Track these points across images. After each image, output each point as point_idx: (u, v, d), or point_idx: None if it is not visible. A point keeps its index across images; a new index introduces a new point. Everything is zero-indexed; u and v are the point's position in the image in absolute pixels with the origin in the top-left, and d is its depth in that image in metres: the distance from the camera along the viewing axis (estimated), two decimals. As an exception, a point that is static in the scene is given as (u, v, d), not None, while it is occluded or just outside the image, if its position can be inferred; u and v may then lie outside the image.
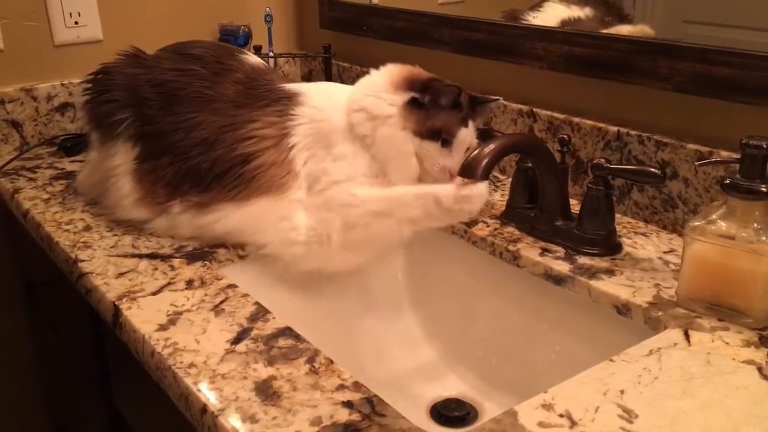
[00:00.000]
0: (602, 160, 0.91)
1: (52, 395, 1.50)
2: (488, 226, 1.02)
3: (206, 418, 0.65)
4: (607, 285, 0.84)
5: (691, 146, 0.93)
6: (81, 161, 1.24)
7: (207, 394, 0.67)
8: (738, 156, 0.75)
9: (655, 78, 0.94)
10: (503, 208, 1.05)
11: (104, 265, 0.92)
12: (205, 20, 1.52)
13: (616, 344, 0.74)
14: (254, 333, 0.77)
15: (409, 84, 0.94)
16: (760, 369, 0.68)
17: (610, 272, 0.87)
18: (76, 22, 1.40)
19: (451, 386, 0.98)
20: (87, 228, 1.04)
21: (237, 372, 0.70)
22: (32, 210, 1.10)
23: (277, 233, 0.92)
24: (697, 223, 0.76)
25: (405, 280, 1.10)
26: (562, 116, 1.09)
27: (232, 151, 0.94)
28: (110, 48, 1.12)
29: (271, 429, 0.62)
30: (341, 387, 0.68)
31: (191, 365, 0.71)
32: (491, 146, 0.86)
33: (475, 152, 0.86)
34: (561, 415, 0.62)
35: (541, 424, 0.61)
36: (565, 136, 0.98)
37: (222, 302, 0.83)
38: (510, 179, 1.05)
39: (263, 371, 0.70)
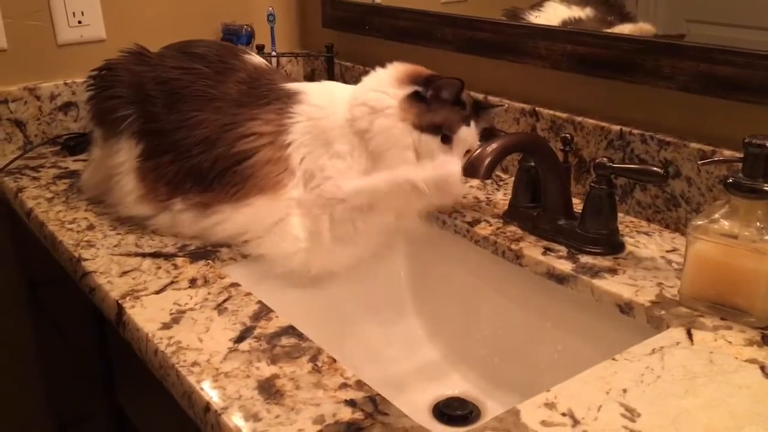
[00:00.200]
0: (605, 159, 0.90)
1: (56, 394, 1.50)
2: (491, 225, 1.02)
3: (209, 416, 0.65)
4: (609, 284, 0.84)
5: (694, 145, 0.93)
6: (84, 160, 1.24)
7: (210, 392, 0.67)
8: (741, 155, 0.75)
9: (658, 77, 0.94)
10: (506, 207, 1.05)
11: (107, 263, 0.93)
12: (207, 20, 1.53)
13: (619, 343, 0.74)
14: (257, 332, 0.77)
15: (413, 79, 0.95)
16: (762, 368, 0.68)
17: (612, 271, 0.87)
18: (79, 22, 1.40)
19: (454, 385, 0.98)
20: (90, 227, 1.04)
21: (240, 370, 0.70)
22: (36, 209, 1.11)
23: (276, 243, 0.92)
24: (699, 222, 0.76)
25: (407, 279, 1.10)
26: (564, 115, 1.09)
27: (231, 149, 0.95)
28: (113, 47, 1.12)
29: (274, 427, 0.62)
30: (344, 386, 0.68)
31: (194, 364, 0.71)
32: (494, 145, 0.86)
33: (478, 151, 0.87)
34: (563, 414, 0.62)
35: (543, 423, 0.61)
36: (567, 135, 0.98)
37: (225, 301, 0.83)
38: (513, 178, 1.05)
39: (266, 370, 0.70)
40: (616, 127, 1.02)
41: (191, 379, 0.69)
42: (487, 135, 0.99)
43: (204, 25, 1.52)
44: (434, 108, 0.92)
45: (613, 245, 0.92)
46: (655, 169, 0.87)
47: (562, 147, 0.98)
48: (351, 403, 0.65)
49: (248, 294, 0.84)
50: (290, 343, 0.75)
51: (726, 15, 0.96)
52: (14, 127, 1.37)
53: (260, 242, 0.93)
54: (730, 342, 0.72)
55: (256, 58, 1.06)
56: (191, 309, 0.82)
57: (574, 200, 0.99)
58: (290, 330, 0.77)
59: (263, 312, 0.81)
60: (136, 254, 0.95)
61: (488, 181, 1.17)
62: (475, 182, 1.16)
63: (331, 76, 1.53)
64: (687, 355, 0.70)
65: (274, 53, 1.52)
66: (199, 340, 0.75)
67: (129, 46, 1.09)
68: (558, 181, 0.95)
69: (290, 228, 0.92)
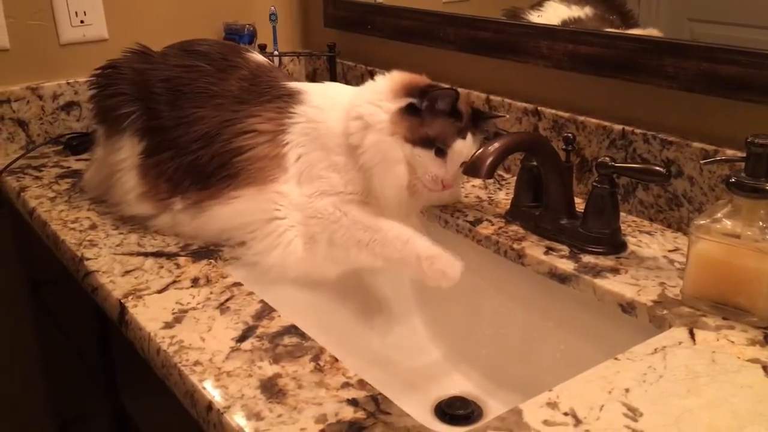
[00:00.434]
0: (607, 158, 0.90)
1: (57, 393, 1.50)
2: (493, 225, 1.02)
3: (212, 415, 0.65)
4: (611, 283, 0.84)
5: (696, 145, 0.93)
6: (87, 160, 1.25)
7: (212, 391, 0.67)
8: (743, 155, 0.75)
9: (661, 76, 0.94)
10: (508, 206, 1.05)
11: (110, 263, 0.93)
12: (209, 19, 1.53)
13: (621, 343, 0.74)
14: (259, 331, 0.77)
15: (408, 90, 0.93)
16: (765, 368, 0.68)
17: (614, 271, 0.87)
18: (81, 21, 1.40)
19: (456, 384, 0.98)
20: (93, 226, 1.04)
21: (242, 370, 0.70)
22: (38, 208, 1.11)
23: (267, 239, 0.92)
24: (702, 222, 0.76)
25: (409, 279, 1.10)
26: (566, 115, 1.09)
27: (229, 144, 0.95)
28: (116, 47, 1.12)
29: (276, 427, 0.62)
30: (346, 385, 0.68)
31: (197, 363, 0.71)
32: (496, 145, 0.86)
33: (480, 151, 0.86)
34: (566, 414, 0.62)
35: (545, 423, 0.61)
36: (569, 135, 0.98)
37: (227, 300, 0.83)
38: (515, 178, 1.05)
39: (268, 369, 0.70)
40: (619, 127, 1.02)
41: (193, 379, 0.69)
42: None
43: (206, 24, 1.52)
44: (428, 120, 0.91)
45: (615, 245, 0.92)
46: (657, 168, 0.86)
47: (564, 146, 0.98)
48: (353, 402, 0.65)
49: (250, 293, 0.85)
50: (292, 343, 0.75)
51: (729, 14, 0.95)
52: (17, 127, 1.37)
53: (252, 246, 0.93)
54: (732, 342, 0.72)
55: (258, 57, 1.07)
56: (193, 308, 0.82)
57: (577, 200, 0.99)
58: (292, 329, 0.77)
59: (265, 311, 0.81)
60: (139, 254, 0.95)
61: (490, 181, 1.17)
62: (477, 182, 1.16)
63: (333, 76, 1.53)
64: (689, 355, 0.70)
65: (276, 53, 1.52)
66: (201, 340, 0.75)
67: (132, 45, 1.09)
68: (560, 181, 0.95)
69: (283, 233, 0.92)
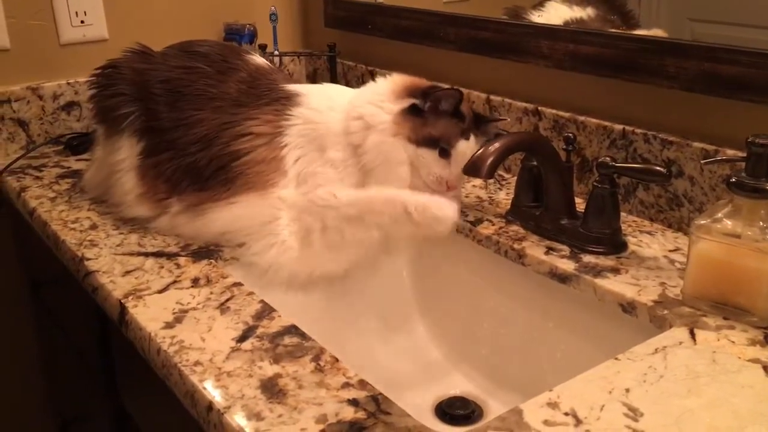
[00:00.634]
0: (607, 158, 0.90)
1: (58, 393, 1.50)
2: (493, 225, 1.02)
3: (212, 415, 0.65)
4: (612, 283, 0.84)
5: (696, 145, 0.93)
6: (87, 160, 1.24)
7: (213, 391, 0.67)
8: (744, 154, 0.75)
9: (662, 76, 0.94)
10: (508, 206, 1.05)
11: (110, 263, 0.93)
12: (210, 19, 1.53)
13: (622, 343, 0.74)
14: (260, 331, 0.77)
15: (410, 91, 0.92)
16: (765, 368, 0.68)
17: (615, 271, 0.87)
18: (82, 21, 1.40)
19: (456, 384, 0.98)
20: (93, 226, 1.04)
21: (242, 370, 0.70)
22: (38, 208, 1.11)
23: (264, 239, 0.92)
24: (702, 222, 0.76)
25: (409, 279, 1.10)
26: (567, 114, 1.09)
27: (227, 147, 0.95)
28: (116, 47, 1.12)
29: (276, 427, 0.62)
30: (346, 385, 0.68)
31: (197, 363, 0.71)
32: (496, 144, 0.86)
33: (480, 150, 0.86)
34: (566, 414, 0.62)
35: (546, 423, 0.61)
36: (570, 135, 0.98)
37: (228, 300, 0.83)
38: (515, 177, 1.05)
39: (269, 369, 0.70)
40: (619, 127, 1.02)
41: (194, 379, 0.69)
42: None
43: (206, 24, 1.52)
44: (432, 121, 0.91)
45: (615, 245, 0.92)
46: (658, 168, 0.86)
47: (564, 146, 0.98)
48: (353, 402, 0.65)
49: (251, 293, 0.85)
50: (293, 343, 0.75)
51: (730, 14, 0.95)
52: (17, 127, 1.37)
53: (250, 246, 0.93)
54: (733, 342, 0.72)
55: (258, 59, 1.07)
56: (194, 308, 0.82)
57: (577, 200, 0.99)
58: (293, 329, 0.77)
59: (266, 311, 0.81)
60: (139, 254, 0.95)
61: (490, 181, 1.17)
62: (478, 181, 1.16)
63: (333, 76, 1.53)
64: (690, 355, 0.70)
65: (276, 53, 1.52)
66: (201, 340, 0.75)
67: (132, 45, 1.09)
68: (560, 181, 0.95)
69: (280, 232, 0.92)
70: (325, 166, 0.93)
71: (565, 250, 0.93)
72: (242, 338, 0.76)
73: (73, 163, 1.30)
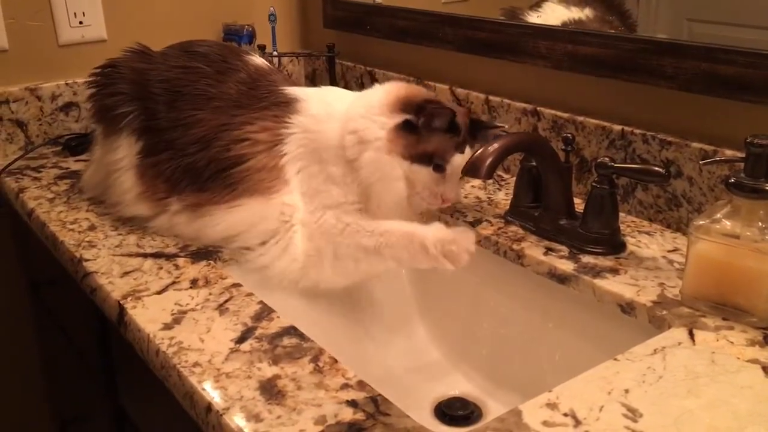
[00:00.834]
0: (606, 158, 0.90)
1: (58, 393, 1.50)
2: (492, 225, 1.02)
3: (211, 417, 0.65)
4: (611, 284, 0.84)
5: (695, 145, 0.93)
6: (86, 160, 1.24)
7: (212, 393, 0.67)
8: (743, 155, 0.75)
9: (660, 77, 0.94)
10: (507, 207, 1.05)
11: (109, 264, 0.93)
12: (209, 20, 1.53)
13: (621, 343, 0.74)
14: (259, 332, 0.77)
15: (405, 105, 0.91)
16: (764, 368, 0.68)
17: (614, 271, 0.87)
18: (80, 22, 1.40)
19: (456, 385, 0.98)
20: (92, 227, 1.04)
21: (241, 371, 0.70)
22: (37, 209, 1.11)
23: (273, 246, 0.92)
24: (701, 222, 0.76)
25: (409, 280, 1.10)
26: (566, 115, 1.09)
27: (226, 151, 0.95)
28: (114, 48, 1.12)
29: (275, 428, 0.62)
30: (345, 386, 0.68)
31: (196, 364, 0.71)
32: (495, 145, 0.86)
33: (480, 151, 0.86)
34: (565, 414, 0.62)
35: (545, 423, 0.61)
36: (569, 135, 0.98)
37: (226, 301, 0.83)
38: (514, 178, 1.05)
39: (268, 370, 0.70)
40: (618, 127, 1.02)
41: (193, 380, 0.69)
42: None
43: (205, 25, 1.52)
44: (425, 137, 0.90)
45: (614, 245, 0.92)
46: (656, 168, 0.86)
47: (563, 147, 0.98)
48: (352, 403, 0.65)
49: (249, 294, 0.84)
50: (292, 344, 0.75)
51: (728, 14, 0.95)
52: (15, 128, 1.37)
53: (257, 250, 0.93)
54: (732, 342, 0.72)
55: (258, 59, 1.06)
56: (192, 309, 0.82)
57: (576, 200, 0.99)
58: (291, 330, 0.77)
59: (264, 312, 0.81)
60: (138, 255, 0.95)
61: (490, 181, 1.17)
62: (477, 182, 1.16)
63: (332, 76, 1.53)
64: (689, 356, 0.70)
65: (275, 53, 1.52)
66: (200, 341, 0.75)
67: (132, 45, 1.09)
68: (559, 181, 0.95)
69: (289, 243, 0.92)
70: (327, 183, 0.92)
71: (564, 250, 0.93)
72: (241, 339, 0.75)
73: (72, 164, 1.30)
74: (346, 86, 1.52)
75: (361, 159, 0.90)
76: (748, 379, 0.66)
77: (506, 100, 1.18)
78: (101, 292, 0.88)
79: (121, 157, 1.03)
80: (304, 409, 0.64)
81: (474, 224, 1.02)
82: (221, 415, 0.64)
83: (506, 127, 0.99)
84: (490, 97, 1.21)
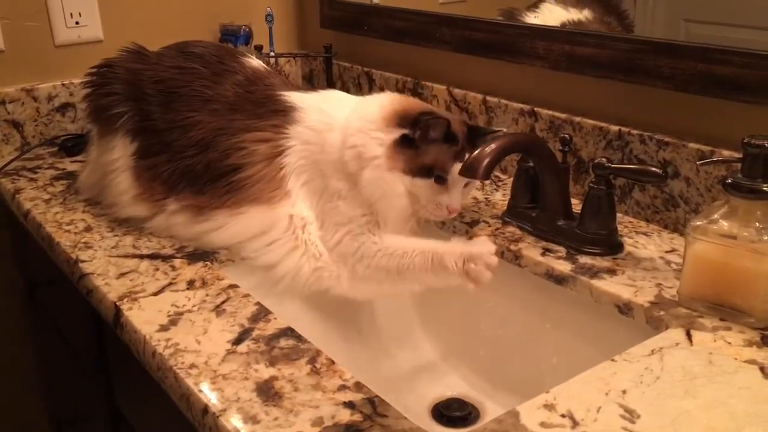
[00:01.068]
0: (603, 159, 0.90)
1: (54, 394, 1.50)
2: (490, 226, 1.02)
3: (207, 418, 0.65)
4: (608, 284, 0.84)
5: (692, 145, 0.93)
6: (82, 161, 1.24)
7: (208, 394, 0.67)
8: (740, 155, 0.75)
9: (657, 77, 0.94)
10: (505, 207, 1.05)
11: (105, 265, 0.92)
12: (205, 20, 1.52)
13: (618, 344, 0.74)
14: (255, 333, 0.77)
15: (401, 119, 0.90)
16: (762, 369, 0.68)
17: (611, 272, 0.87)
18: (76, 23, 1.40)
19: (453, 386, 0.98)
20: (88, 228, 1.04)
21: (238, 372, 0.70)
22: (33, 210, 1.10)
23: (282, 249, 0.92)
24: (698, 223, 0.76)
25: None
26: (563, 115, 1.09)
27: (225, 158, 0.94)
28: (111, 48, 1.12)
29: (272, 430, 0.62)
30: (343, 387, 0.67)
31: (192, 366, 0.71)
32: (492, 146, 0.86)
33: (477, 152, 0.86)
34: (563, 415, 0.62)
35: (543, 425, 0.61)
36: (566, 136, 0.98)
37: (223, 302, 0.83)
38: (511, 179, 1.05)
39: (264, 372, 0.70)
40: (615, 128, 1.02)
41: (189, 381, 0.69)
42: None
43: (202, 25, 1.52)
44: (423, 150, 0.89)
45: (611, 246, 0.92)
46: (653, 169, 0.86)
47: (560, 147, 0.98)
48: (350, 405, 0.65)
49: (246, 295, 0.84)
50: (289, 345, 0.74)
51: (724, 15, 0.95)
52: (12, 128, 1.36)
53: (265, 255, 0.93)
54: (729, 343, 0.72)
55: (254, 61, 1.06)
56: (189, 311, 0.81)
57: (573, 201, 0.99)
58: (289, 331, 0.77)
59: (261, 313, 0.80)
60: (134, 256, 0.95)
61: (487, 182, 1.17)
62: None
63: (329, 77, 1.53)
64: (686, 356, 0.70)
65: (272, 53, 1.52)
66: (197, 342, 0.75)
67: (128, 45, 1.09)
68: (557, 182, 0.95)
69: (302, 249, 0.91)
70: (333, 199, 0.92)
71: (562, 251, 0.93)
72: (238, 341, 0.75)
73: (68, 165, 1.30)
74: (344, 86, 1.52)
75: (362, 177, 0.89)
76: (746, 380, 0.66)
77: (504, 101, 1.18)
78: (97, 294, 0.87)
79: (117, 157, 1.03)
80: (301, 411, 0.64)
81: (471, 225, 1.02)
82: (218, 417, 0.64)
83: (504, 131, 0.99)
84: (488, 98, 1.21)
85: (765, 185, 0.72)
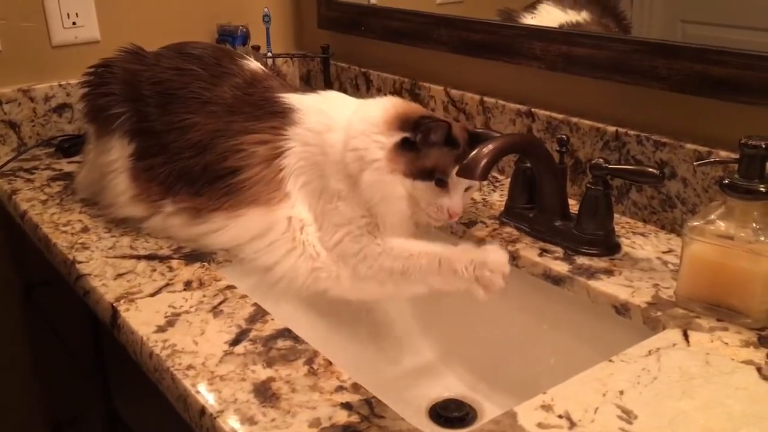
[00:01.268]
0: (601, 160, 0.90)
1: (51, 395, 1.49)
2: (487, 227, 1.02)
3: (205, 419, 0.65)
4: (605, 285, 0.84)
5: (689, 146, 0.93)
6: (79, 162, 1.24)
7: (205, 395, 0.67)
8: (737, 156, 0.75)
9: (654, 78, 0.94)
10: (502, 208, 1.05)
11: (102, 266, 0.92)
12: (203, 20, 1.52)
13: (615, 344, 0.74)
14: (253, 334, 0.76)
15: (402, 123, 0.90)
16: (759, 369, 0.68)
17: (608, 272, 0.87)
18: (73, 23, 1.39)
19: (450, 387, 0.98)
20: (85, 229, 1.03)
21: (235, 373, 0.70)
22: (30, 211, 1.10)
23: (280, 250, 0.92)
24: (695, 223, 0.76)
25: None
26: (560, 116, 1.09)
27: (223, 160, 0.94)
28: (108, 48, 1.12)
29: (269, 431, 0.62)
30: (340, 388, 0.67)
31: (189, 367, 0.71)
32: (490, 146, 0.86)
33: (474, 152, 0.86)
34: (560, 416, 0.62)
35: (540, 425, 0.61)
36: (563, 136, 0.98)
37: (220, 303, 0.83)
38: (509, 179, 1.05)
39: (262, 373, 0.70)
40: (612, 128, 1.02)
41: (186, 383, 0.69)
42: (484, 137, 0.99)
43: (199, 26, 1.51)
44: (424, 153, 0.89)
45: (609, 246, 0.92)
46: (650, 170, 0.87)
47: (558, 148, 0.98)
48: (347, 406, 0.65)
49: (244, 296, 0.84)
50: (286, 346, 0.74)
51: (721, 15, 0.96)
52: (8, 129, 1.36)
53: (264, 255, 0.92)
54: (726, 343, 0.72)
55: (252, 63, 1.06)
56: (186, 312, 0.81)
57: (571, 201, 0.99)
58: (286, 332, 0.77)
59: (259, 314, 0.80)
60: (131, 257, 0.95)
61: (484, 182, 1.17)
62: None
63: (326, 77, 1.53)
64: (683, 357, 0.70)
65: (269, 54, 1.52)
66: (194, 343, 0.75)
67: (126, 45, 1.09)
68: (554, 182, 0.95)
69: (300, 250, 0.91)
70: (333, 200, 0.92)
71: (559, 251, 0.93)
72: (235, 342, 0.75)
73: (65, 166, 1.29)
74: (341, 87, 1.52)
75: (362, 180, 0.89)
76: (743, 380, 0.66)
77: (501, 102, 1.18)
78: (94, 294, 0.87)
79: (115, 158, 1.03)
80: (298, 412, 0.64)
81: (469, 225, 1.02)
82: (215, 418, 0.64)
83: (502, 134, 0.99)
84: (485, 99, 1.21)
85: (762, 186, 0.73)
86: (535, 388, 0.67)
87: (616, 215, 0.95)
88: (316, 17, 1.56)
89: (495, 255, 0.86)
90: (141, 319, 0.80)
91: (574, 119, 1.07)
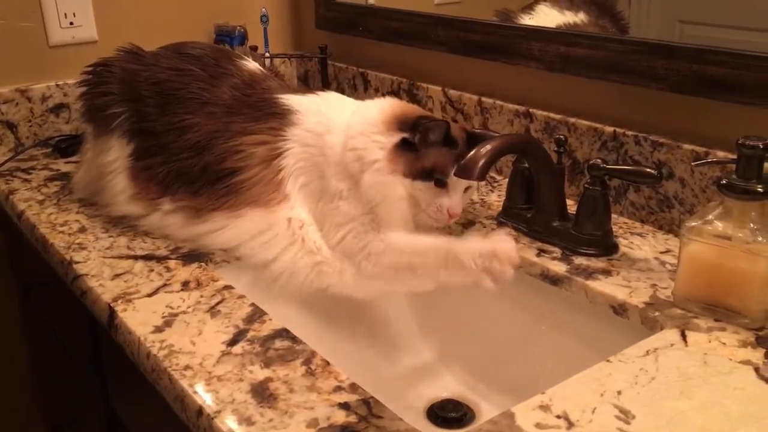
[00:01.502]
0: (599, 160, 0.91)
1: (49, 396, 1.49)
2: (485, 227, 1.02)
3: (202, 420, 0.65)
4: (603, 285, 0.84)
5: (687, 146, 0.93)
6: (76, 162, 1.24)
7: (203, 396, 0.67)
8: (734, 156, 0.75)
9: (652, 78, 0.94)
10: (500, 208, 1.05)
11: (99, 266, 0.92)
12: (200, 21, 1.52)
13: (613, 345, 0.74)
14: (250, 334, 0.76)
15: (400, 123, 0.91)
16: (756, 369, 0.68)
17: (606, 273, 0.87)
18: (71, 23, 1.39)
19: (448, 387, 0.98)
20: (82, 229, 1.03)
21: (233, 374, 0.70)
22: (27, 211, 1.10)
23: (279, 245, 0.92)
24: (693, 224, 0.76)
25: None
26: (558, 116, 1.09)
27: (222, 161, 0.94)
28: (105, 48, 1.12)
29: (267, 431, 0.62)
30: (338, 388, 0.67)
31: (187, 367, 0.71)
32: (488, 147, 0.86)
33: (472, 153, 0.86)
34: (558, 416, 0.62)
35: (538, 426, 0.61)
36: (561, 137, 0.98)
37: (218, 304, 0.83)
38: (507, 179, 1.05)
39: (259, 373, 0.70)
40: (610, 129, 1.02)
41: (184, 383, 0.69)
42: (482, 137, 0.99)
43: (197, 26, 1.51)
44: (423, 153, 0.89)
45: (607, 246, 0.92)
46: (648, 170, 0.87)
47: (556, 148, 0.98)
48: (345, 406, 0.65)
49: (241, 296, 0.84)
50: (284, 346, 0.74)
51: (719, 16, 0.96)
52: (5, 129, 1.36)
53: (263, 251, 0.92)
54: (724, 343, 0.72)
55: (251, 64, 1.06)
56: (184, 312, 0.81)
57: (568, 201, 0.99)
58: (284, 332, 0.77)
59: (256, 314, 0.80)
60: (128, 257, 0.94)
61: (482, 183, 1.17)
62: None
63: (324, 78, 1.53)
64: (681, 357, 0.70)
65: (267, 54, 1.52)
66: (191, 344, 0.75)
67: (125, 45, 1.09)
68: (552, 183, 0.95)
69: (300, 245, 0.91)
70: (335, 200, 0.92)
71: (557, 252, 0.93)
72: (233, 342, 0.75)
73: (62, 166, 1.29)
74: (339, 87, 1.52)
75: (363, 181, 0.89)
76: (740, 381, 0.66)
77: (499, 102, 1.18)
78: (91, 295, 0.87)
79: (113, 158, 1.03)
80: (296, 412, 0.64)
81: (467, 226, 1.02)
82: (212, 418, 0.64)
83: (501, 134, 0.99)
84: (483, 99, 1.21)
85: (759, 186, 0.73)
86: (533, 389, 0.68)
87: (613, 215, 0.95)
88: (314, 17, 1.56)
89: (503, 244, 0.86)
90: (138, 320, 0.80)
91: (572, 119, 1.07)
